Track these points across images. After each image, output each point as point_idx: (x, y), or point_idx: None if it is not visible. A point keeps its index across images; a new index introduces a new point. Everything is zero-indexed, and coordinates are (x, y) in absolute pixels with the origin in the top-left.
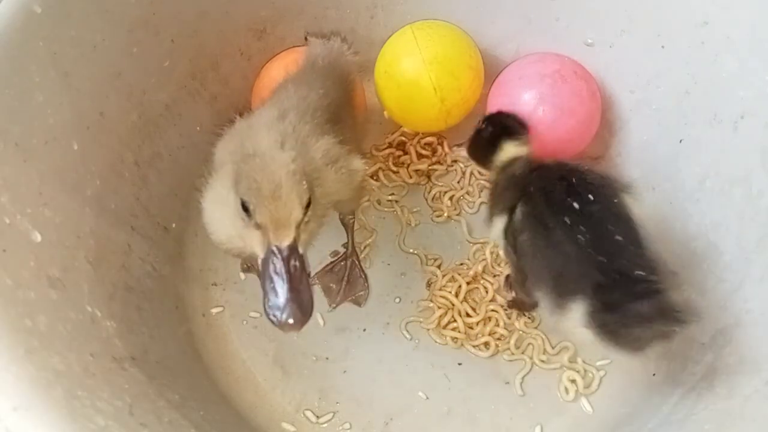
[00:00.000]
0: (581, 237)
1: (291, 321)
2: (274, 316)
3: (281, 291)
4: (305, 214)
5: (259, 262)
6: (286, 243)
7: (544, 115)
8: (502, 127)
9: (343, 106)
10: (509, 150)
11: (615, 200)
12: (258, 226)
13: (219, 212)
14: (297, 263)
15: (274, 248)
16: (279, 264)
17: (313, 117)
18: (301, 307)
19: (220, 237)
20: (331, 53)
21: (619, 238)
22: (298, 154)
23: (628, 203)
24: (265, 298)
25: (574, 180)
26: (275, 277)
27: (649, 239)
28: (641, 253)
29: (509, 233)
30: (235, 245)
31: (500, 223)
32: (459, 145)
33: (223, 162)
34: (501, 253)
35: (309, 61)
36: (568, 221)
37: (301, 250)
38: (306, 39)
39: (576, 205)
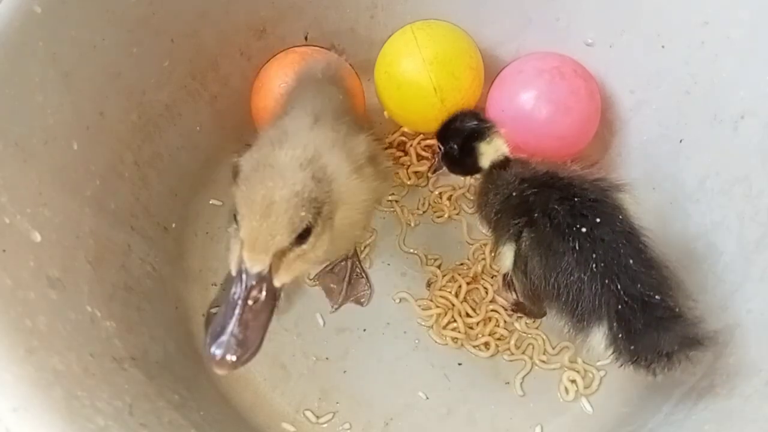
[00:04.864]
0: (594, 265)
1: (223, 357)
2: (207, 346)
3: (227, 321)
4: (297, 244)
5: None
6: (255, 269)
7: (539, 111)
8: (465, 137)
9: (352, 113)
10: (489, 150)
11: (620, 217)
12: (240, 240)
13: None
14: (261, 296)
15: (243, 271)
16: (239, 290)
17: (344, 120)
18: (241, 347)
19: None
20: (330, 66)
21: (631, 261)
22: (321, 179)
23: (627, 203)
24: (213, 323)
25: (576, 200)
26: (229, 303)
27: (658, 256)
28: (654, 275)
29: (518, 259)
30: None
31: (509, 251)
32: (435, 172)
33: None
34: (512, 279)
35: (309, 75)
36: (578, 247)
37: (277, 284)
38: (306, 39)
39: (584, 229)
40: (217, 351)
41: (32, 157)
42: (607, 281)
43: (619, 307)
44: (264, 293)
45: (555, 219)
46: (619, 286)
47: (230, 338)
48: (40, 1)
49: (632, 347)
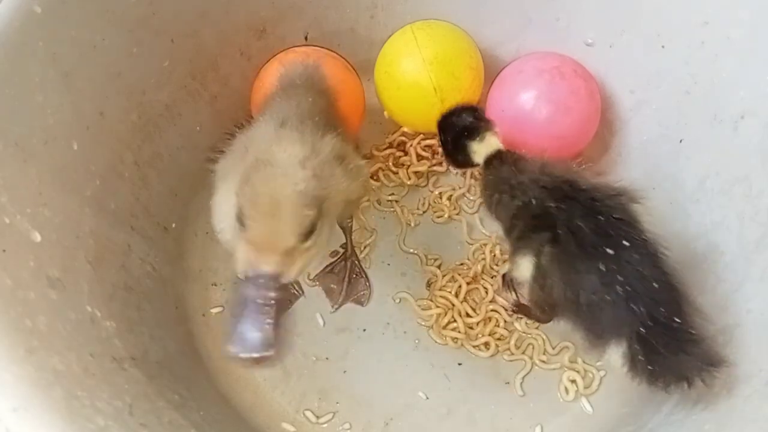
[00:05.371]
0: (620, 287)
1: (242, 355)
2: (230, 344)
3: (245, 321)
4: (303, 242)
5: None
6: (267, 269)
7: (539, 111)
8: (455, 134)
9: (332, 116)
10: (480, 149)
11: (644, 237)
12: (247, 241)
13: (225, 213)
14: (273, 294)
15: (254, 272)
16: (254, 291)
17: (311, 120)
18: (263, 344)
19: (225, 236)
20: (306, 70)
21: (655, 285)
22: (315, 175)
23: (643, 215)
24: (228, 324)
25: (601, 218)
26: (242, 304)
27: (677, 276)
28: (676, 297)
29: (537, 272)
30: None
31: (529, 263)
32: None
33: (227, 172)
34: (525, 290)
35: (286, 82)
36: (603, 268)
37: (285, 282)
38: (306, 39)
39: (610, 251)
40: (236, 350)
41: (32, 157)
42: (632, 304)
43: (641, 329)
44: (275, 292)
45: (579, 237)
46: (642, 309)
47: (249, 336)
48: (40, 1)
49: (651, 368)
